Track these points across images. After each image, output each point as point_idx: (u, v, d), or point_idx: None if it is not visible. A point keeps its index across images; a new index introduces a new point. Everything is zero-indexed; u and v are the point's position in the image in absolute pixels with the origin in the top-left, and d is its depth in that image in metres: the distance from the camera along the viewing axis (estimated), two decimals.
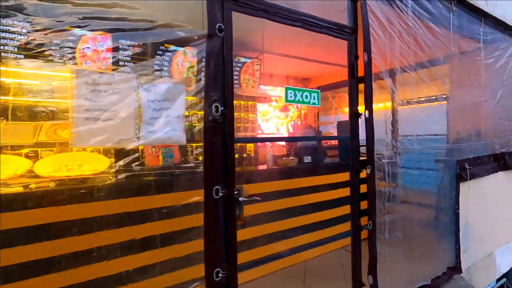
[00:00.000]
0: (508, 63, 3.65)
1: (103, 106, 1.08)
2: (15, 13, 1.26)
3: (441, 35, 2.64)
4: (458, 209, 2.80)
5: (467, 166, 2.87)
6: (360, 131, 2.06)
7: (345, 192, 2.05)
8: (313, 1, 1.90)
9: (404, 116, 2.75)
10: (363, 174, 2.01)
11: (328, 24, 1.84)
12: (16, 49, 2.29)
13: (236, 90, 4.42)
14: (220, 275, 1.33)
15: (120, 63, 2.83)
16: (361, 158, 2.03)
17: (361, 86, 2.01)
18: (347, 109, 2.28)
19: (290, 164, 3.09)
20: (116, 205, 1.59)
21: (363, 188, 2.02)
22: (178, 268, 1.76)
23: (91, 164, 2.08)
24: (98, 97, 1.07)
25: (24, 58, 2.20)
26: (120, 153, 2.15)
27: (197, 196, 1.35)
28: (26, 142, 2.46)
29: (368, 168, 1.95)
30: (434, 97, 3.04)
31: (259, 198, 1.43)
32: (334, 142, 4.79)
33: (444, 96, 3.12)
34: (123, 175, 1.67)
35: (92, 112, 1.05)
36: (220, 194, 1.35)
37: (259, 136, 5.48)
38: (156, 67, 2.77)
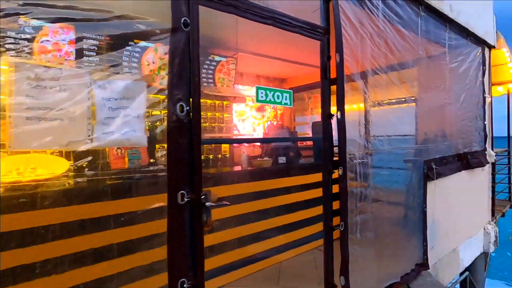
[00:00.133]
0: (470, 68, 3.86)
1: (48, 104, 0.96)
2: None
3: (410, 39, 2.72)
4: (426, 207, 2.91)
5: (433, 166, 2.99)
6: (334, 132, 2.07)
7: (319, 192, 2.04)
8: (285, 0, 1.86)
9: (375, 117, 2.80)
10: (336, 175, 2.01)
11: (300, 24, 1.81)
12: None
13: (210, 89, 4.31)
14: (185, 285, 1.25)
15: (85, 58, 2.64)
16: (335, 159, 2.03)
17: (334, 87, 2.01)
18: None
19: (265, 165, 3.05)
20: (66, 213, 1.45)
21: (336, 189, 2.03)
22: (139, 279, 1.64)
23: (47, 168, 1.91)
24: (42, 94, 0.95)
25: None
26: (81, 155, 2.00)
27: (161, 202, 1.25)
28: None
29: (340, 168, 1.95)
30: (404, 99, 3.13)
31: (228, 203, 1.36)
32: (310, 143, 4.83)
33: (413, 98, 3.23)
34: (79, 179, 1.53)
35: (35, 111, 0.93)
36: (186, 200, 1.26)
37: (234, 136, 5.40)
38: (114, 63, 2.59)
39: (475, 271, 4.43)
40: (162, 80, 3.13)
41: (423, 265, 2.86)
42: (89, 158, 1.54)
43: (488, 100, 4.36)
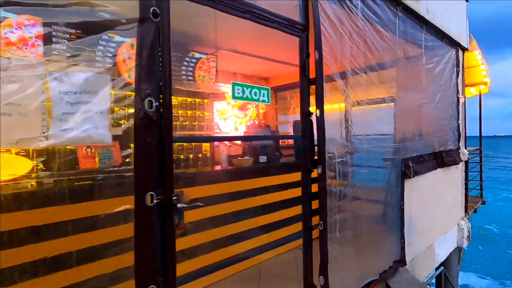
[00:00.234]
0: (445, 69, 3.98)
1: None
2: None
3: (388, 39, 2.75)
4: (403, 205, 2.96)
5: (411, 164, 3.05)
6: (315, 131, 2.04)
7: (300, 191, 2.00)
8: None
9: (355, 116, 2.82)
10: (315, 174, 1.98)
11: (279, 19, 1.77)
12: None
13: (191, 87, 4.20)
14: None
15: (54, 52, 2.48)
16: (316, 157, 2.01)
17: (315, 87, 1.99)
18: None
19: (245, 164, 2.99)
20: (19, 218, 1.33)
21: (316, 188, 2.00)
22: None
23: (6, 168, 1.76)
24: None
25: None
26: (47, 155, 1.86)
27: (128, 204, 1.17)
28: None
29: (319, 167, 1.93)
30: (382, 99, 3.17)
31: (201, 204, 1.29)
32: (291, 142, 4.82)
33: (392, 98, 3.28)
34: (40, 181, 1.41)
35: None
36: (155, 201, 1.19)
37: (215, 135, 5.31)
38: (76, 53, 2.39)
39: (449, 266, 4.58)
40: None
41: (401, 261, 2.91)
42: (63, 158, 1.42)
43: (461, 100, 4.53)
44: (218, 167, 3.59)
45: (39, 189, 1.48)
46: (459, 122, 4.43)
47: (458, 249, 4.57)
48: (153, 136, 1.19)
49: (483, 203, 5.99)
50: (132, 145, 3.38)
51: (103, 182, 1.69)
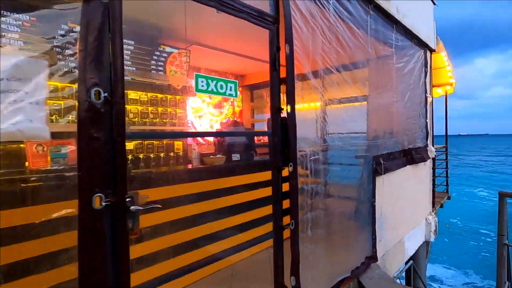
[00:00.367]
0: (414, 69, 4.10)
1: None
2: None
3: (360, 36, 2.75)
4: (374, 201, 2.99)
5: (381, 161, 3.09)
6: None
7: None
8: None
9: (329, 115, 2.82)
10: (286, 172, 1.93)
11: (247, 9, 1.68)
12: None
13: (161, 82, 4.02)
14: None
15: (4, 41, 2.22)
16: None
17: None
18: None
19: (217, 162, 2.89)
20: None
21: (288, 187, 1.95)
22: None
23: None
24: None
25: None
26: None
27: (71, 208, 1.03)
28: None
29: (291, 166, 1.87)
30: (355, 98, 3.20)
31: (159, 206, 1.18)
32: (266, 140, 4.77)
33: (365, 96, 3.32)
34: None
35: None
36: (104, 204, 1.06)
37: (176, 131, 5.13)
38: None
39: (418, 259, 4.76)
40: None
41: (372, 257, 2.95)
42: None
43: (429, 99, 4.70)
44: (189, 166, 3.45)
45: None
46: (427, 120, 4.60)
47: (426, 242, 4.75)
48: (102, 131, 1.07)
49: (449, 198, 6.30)
50: None
51: (52, 184, 1.52)
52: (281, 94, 1.88)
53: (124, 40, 3.52)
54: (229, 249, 2.80)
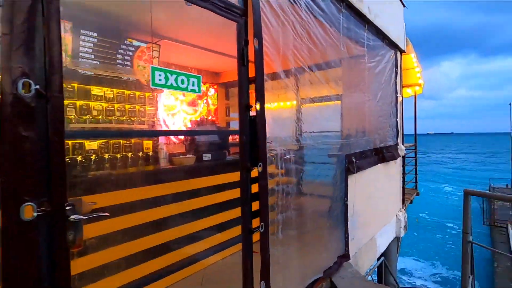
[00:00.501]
0: (386, 69, 4.18)
1: None
2: None
3: (332, 34, 2.73)
4: (347, 200, 3.00)
5: (354, 160, 3.10)
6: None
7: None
8: None
9: (304, 113, 2.78)
10: (255, 173, 1.84)
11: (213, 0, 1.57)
12: None
13: (129, 80, 3.79)
14: None
15: None
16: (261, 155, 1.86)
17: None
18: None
19: (186, 163, 2.75)
20: None
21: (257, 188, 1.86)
22: None
23: None
24: None
25: None
26: None
27: None
28: None
29: (260, 166, 1.79)
30: (329, 97, 3.19)
31: (107, 214, 1.05)
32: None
33: (338, 95, 3.32)
34: None
35: None
36: (37, 214, 0.91)
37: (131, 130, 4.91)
38: None
39: (389, 255, 4.89)
40: None
41: (345, 256, 2.95)
42: None
43: (399, 99, 4.83)
44: (154, 167, 3.28)
45: None
46: (398, 120, 4.72)
47: (397, 238, 4.89)
48: (33, 129, 0.92)
49: (418, 194, 6.56)
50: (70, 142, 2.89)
51: None
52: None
53: (86, 32, 3.25)
54: (199, 254, 2.68)
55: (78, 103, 3.42)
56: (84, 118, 3.44)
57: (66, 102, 3.28)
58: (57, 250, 0.97)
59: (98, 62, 3.41)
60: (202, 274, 2.67)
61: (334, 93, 3.20)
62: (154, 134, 3.79)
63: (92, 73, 3.43)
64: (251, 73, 1.76)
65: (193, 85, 1.43)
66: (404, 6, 4.89)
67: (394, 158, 4.48)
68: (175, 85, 1.35)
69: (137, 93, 4.04)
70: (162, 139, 4.67)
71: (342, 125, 3.39)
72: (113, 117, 3.69)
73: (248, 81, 1.74)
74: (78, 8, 3.08)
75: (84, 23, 3.24)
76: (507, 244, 12.68)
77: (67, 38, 3.16)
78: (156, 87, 1.16)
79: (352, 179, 3.11)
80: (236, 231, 2.95)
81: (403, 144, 5.04)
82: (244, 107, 1.73)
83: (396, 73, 4.59)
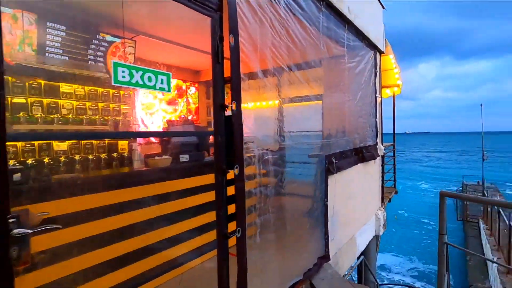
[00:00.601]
0: (365, 69, 4.22)
1: None
2: None
3: (312, 33, 2.69)
4: (327, 200, 2.98)
5: (334, 160, 3.09)
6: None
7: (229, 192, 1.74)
8: None
9: (285, 114, 2.74)
10: (231, 175, 1.76)
11: None
12: None
13: (102, 77, 3.59)
14: None
15: None
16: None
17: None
18: (244, 104, 2.02)
19: (161, 164, 2.62)
20: None
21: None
22: None
23: None
24: None
25: None
26: None
27: None
28: None
29: (236, 168, 1.71)
30: (309, 97, 3.16)
31: (59, 226, 0.94)
32: None
33: (317, 96, 3.30)
34: None
35: None
36: None
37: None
38: None
39: (368, 253, 4.96)
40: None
41: (325, 257, 2.93)
42: None
43: (379, 99, 4.90)
44: (127, 169, 3.13)
45: None
46: (377, 120, 4.79)
47: (376, 236, 4.97)
48: None
49: (396, 192, 6.71)
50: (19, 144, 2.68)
51: None
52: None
53: (53, 25, 3.04)
54: (175, 260, 2.56)
55: (45, 101, 3.20)
56: (52, 117, 3.23)
57: (31, 100, 3.06)
58: None
59: (67, 58, 3.20)
60: (180, 279, 2.57)
61: (315, 93, 3.18)
62: (119, 136, 3.56)
63: (61, 70, 3.22)
64: (228, 72, 1.69)
65: (162, 83, 1.33)
66: (383, 7, 4.96)
67: (374, 158, 4.54)
68: (141, 82, 1.25)
69: (111, 91, 3.85)
70: (139, 138, 4.50)
71: (323, 125, 3.38)
72: (84, 116, 3.48)
73: (224, 80, 1.66)
74: None
75: (51, 15, 3.03)
76: (478, 238, 13.34)
77: (31, 31, 2.94)
78: (119, 85, 1.06)
79: (332, 180, 3.10)
80: (214, 235, 2.86)
81: (382, 144, 5.12)
82: (219, 106, 1.64)
83: (376, 73, 4.65)
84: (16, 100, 2.95)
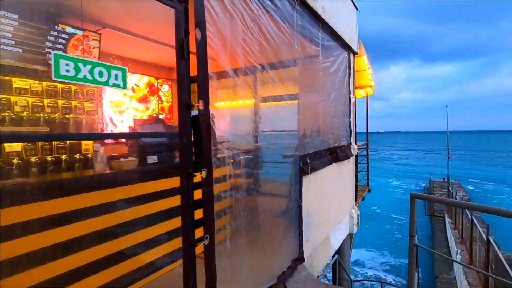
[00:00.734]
0: (339, 70, 4.24)
1: None
2: None
3: (286, 31, 2.63)
4: (301, 202, 2.94)
5: (308, 161, 3.06)
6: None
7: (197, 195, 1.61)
8: None
9: (262, 113, 2.67)
10: (198, 179, 1.65)
11: None
12: None
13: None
14: None
15: None
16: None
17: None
18: (217, 104, 1.91)
19: (126, 166, 2.44)
20: None
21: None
22: None
23: None
24: None
25: None
26: None
27: None
28: None
29: (204, 171, 1.60)
30: (282, 96, 3.11)
31: None
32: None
33: (292, 95, 3.26)
34: None
35: None
36: None
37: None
38: None
39: (342, 251, 5.03)
40: None
41: (299, 259, 2.89)
42: None
43: (352, 100, 4.97)
44: (90, 172, 2.91)
45: None
46: (351, 120, 4.86)
47: (350, 235, 5.05)
48: None
49: (369, 191, 6.89)
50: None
51: None
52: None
53: (2, 13, 2.74)
54: (139, 269, 2.40)
55: None
56: (3, 115, 2.92)
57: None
58: None
59: (20, 50, 2.90)
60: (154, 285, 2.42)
61: (291, 93, 3.14)
62: (71, 137, 3.23)
63: (13, 63, 2.91)
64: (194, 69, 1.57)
65: (116, 78, 1.19)
66: (357, 9, 5.03)
67: (348, 158, 4.60)
68: (90, 78, 1.10)
69: (73, 87, 3.56)
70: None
71: (298, 125, 3.35)
72: (41, 114, 3.19)
73: (189, 77, 1.54)
74: None
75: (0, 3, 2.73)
76: (444, 232, 14.15)
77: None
78: (60, 79, 0.91)
79: (307, 180, 3.07)
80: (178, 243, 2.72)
81: (356, 143, 5.21)
82: (185, 105, 1.52)
83: (350, 74, 4.70)
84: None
